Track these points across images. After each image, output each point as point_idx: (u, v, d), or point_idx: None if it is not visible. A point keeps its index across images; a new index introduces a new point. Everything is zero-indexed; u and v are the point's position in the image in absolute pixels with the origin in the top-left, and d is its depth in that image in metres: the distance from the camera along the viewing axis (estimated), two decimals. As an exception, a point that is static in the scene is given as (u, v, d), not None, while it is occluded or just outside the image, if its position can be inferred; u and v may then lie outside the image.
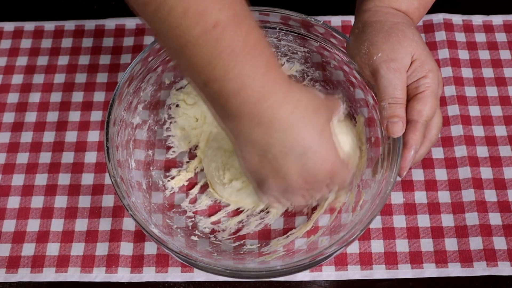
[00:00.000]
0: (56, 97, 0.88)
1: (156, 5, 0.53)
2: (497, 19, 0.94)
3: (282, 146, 0.60)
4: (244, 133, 0.60)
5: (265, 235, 0.77)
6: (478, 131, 0.84)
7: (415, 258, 0.75)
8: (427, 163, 0.81)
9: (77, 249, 0.76)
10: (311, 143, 0.61)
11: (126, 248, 0.76)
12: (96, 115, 0.86)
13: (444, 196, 0.79)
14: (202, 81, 0.57)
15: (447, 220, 0.78)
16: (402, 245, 0.76)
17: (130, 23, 0.95)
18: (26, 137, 0.85)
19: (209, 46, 0.54)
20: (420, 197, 0.79)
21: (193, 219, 0.78)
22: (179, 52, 0.56)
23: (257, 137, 0.60)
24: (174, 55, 0.58)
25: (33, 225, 0.78)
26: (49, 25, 0.96)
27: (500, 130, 0.84)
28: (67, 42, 0.94)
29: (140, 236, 0.77)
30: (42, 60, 0.92)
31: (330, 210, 0.77)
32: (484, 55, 0.91)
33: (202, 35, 0.54)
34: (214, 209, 0.79)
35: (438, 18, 0.94)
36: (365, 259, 0.75)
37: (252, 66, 0.56)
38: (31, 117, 0.87)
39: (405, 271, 0.74)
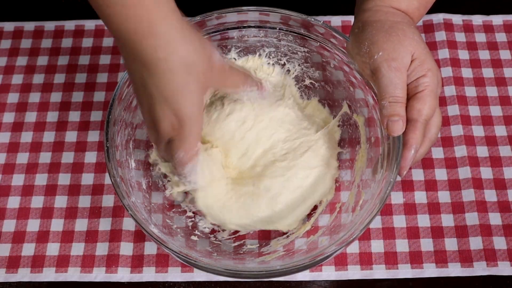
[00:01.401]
0: (56, 97, 0.88)
1: None
2: (497, 19, 0.94)
3: (138, 82, 0.62)
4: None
5: (265, 235, 0.77)
6: (478, 131, 0.84)
7: (415, 258, 0.75)
8: (427, 163, 0.81)
9: (77, 249, 0.76)
10: (160, 93, 0.61)
11: (126, 248, 0.76)
12: (96, 115, 0.87)
13: (444, 196, 0.79)
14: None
15: (447, 220, 0.78)
16: (402, 245, 0.76)
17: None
18: (26, 137, 0.85)
19: None
20: (420, 197, 0.79)
21: (193, 219, 0.78)
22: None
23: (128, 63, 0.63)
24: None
25: (33, 225, 0.78)
26: (49, 25, 0.96)
27: (500, 130, 0.84)
28: (67, 42, 0.94)
29: (140, 236, 0.77)
30: (42, 60, 0.92)
31: (330, 210, 0.77)
32: (484, 55, 0.91)
33: None
34: (214, 209, 0.79)
35: (438, 18, 0.94)
36: (365, 259, 0.75)
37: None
38: (31, 117, 0.87)
39: (405, 271, 0.74)
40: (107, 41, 0.93)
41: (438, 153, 0.82)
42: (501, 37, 0.92)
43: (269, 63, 0.83)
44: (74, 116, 0.87)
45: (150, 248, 0.76)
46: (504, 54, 0.91)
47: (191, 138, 0.64)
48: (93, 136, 0.85)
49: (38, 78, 0.90)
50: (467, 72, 0.89)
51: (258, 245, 0.76)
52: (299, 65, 0.82)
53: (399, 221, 0.78)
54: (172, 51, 0.59)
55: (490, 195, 0.79)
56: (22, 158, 0.83)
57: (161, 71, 0.60)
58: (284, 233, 0.77)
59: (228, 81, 0.67)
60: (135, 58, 0.60)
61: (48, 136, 0.85)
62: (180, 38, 0.60)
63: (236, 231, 0.77)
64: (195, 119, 0.63)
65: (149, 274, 0.75)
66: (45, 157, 0.83)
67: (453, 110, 0.85)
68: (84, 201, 0.80)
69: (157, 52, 0.59)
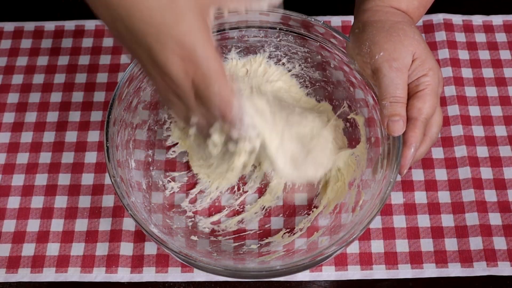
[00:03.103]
0: (56, 97, 0.88)
1: None
2: (497, 19, 0.94)
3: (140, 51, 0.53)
4: None
5: (265, 235, 0.77)
6: (478, 131, 0.84)
7: (415, 258, 0.75)
8: (427, 163, 0.81)
9: (77, 249, 0.77)
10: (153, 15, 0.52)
11: (126, 248, 0.76)
12: (96, 115, 0.87)
13: (444, 196, 0.79)
14: None
15: (447, 220, 0.78)
16: (402, 245, 0.76)
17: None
18: (26, 137, 0.85)
19: None
20: (420, 197, 0.79)
21: (192, 219, 0.78)
22: None
23: None
24: None
25: (33, 225, 0.78)
26: (49, 25, 0.96)
27: (500, 130, 0.84)
28: (67, 42, 0.94)
29: (140, 236, 0.77)
30: (42, 60, 0.92)
31: (332, 210, 0.77)
32: (484, 55, 0.91)
33: None
34: (214, 209, 0.79)
35: (438, 18, 0.94)
36: (365, 259, 0.75)
37: None
38: (31, 117, 0.87)
39: (405, 271, 0.74)
40: (107, 41, 0.93)
41: (438, 153, 0.82)
42: (501, 37, 0.92)
43: (276, 64, 0.82)
44: (74, 116, 0.87)
45: (150, 248, 0.76)
46: (504, 54, 0.91)
47: (214, 72, 0.54)
48: (93, 136, 0.85)
49: (38, 78, 0.90)
50: (467, 72, 0.89)
51: (258, 245, 0.76)
52: (299, 65, 0.82)
53: (399, 221, 0.78)
54: None
55: (490, 195, 0.79)
56: (22, 158, 0.83)
57: (146, 8, 0.51)
58: (288, 231, 0.77)
59: None
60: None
61: (48, 136, 0.85)
62: None
63: (236, 231, 0.77)
64: (208, 48, 0.54)
65: (149, 274, 0.75)
66: (45, 157, 0.83)
67: (453, 110, 0.85)
68: (84, 201, 0.80)
69: None
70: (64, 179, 0.82)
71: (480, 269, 0.74)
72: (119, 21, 0.53)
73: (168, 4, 0.52)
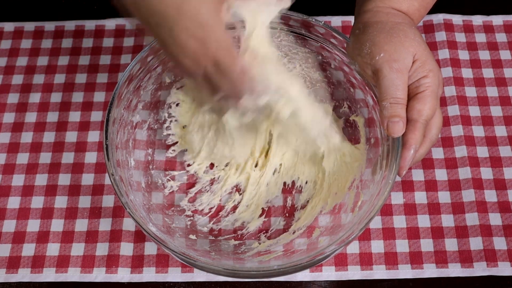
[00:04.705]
0: (56, 97, 0.88)
1: None
2: (497, 19, 0.94)
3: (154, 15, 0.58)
4: None
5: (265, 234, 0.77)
6: (478, 131, 0.84)
7: (415, 258, 0.75)
8: (427, 163, 0.81)
9: (77, 249, 0.77)
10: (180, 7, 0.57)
11: (126, 249, 0.76)
12: (96, 116, 0.87)
13: (444, 196, 0.79)
14: None
15: (447, 220, 0.78)
16: (402, 245, 0.76)
17: (130, 23, 0.95)
18: (26, 137, 0.85)
19: None
20: (420, 197, 0.79)
21: (191, 218, 0.78)
22: None
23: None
24: None
25: (33, 225, 0.78)
26: (49, 25, 0.96)
27: (500, 131, 0.84)
28: (67, 42, 0.94)
29: (140, 236, 0.77)
30: (42, 60, 0.92)
31: (330, 211, 0.77)
32: (484, 55, 0.91)
33: None
34: (214, 208, 0.79)
35: (438, 18, 0.94)
36: (365, 259, 0.75)
37: None
38: (31, 117, 0.87)
39: (405, 271, 0.74)
40: (107, 41, 0.93)
41: (438, 153, 0.82)
42: (501, 37, 0.93)
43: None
44: (74, 116, 0.87)
45: (150, 249, 0.76)
46: (504, 54, 0.91)
47: (224, 44, 0.59)
48: (93, 136, 0.85)
49: (38, 78, 0.90)
50: (467, 72, 0.89)
51: (258, 244, 0.76)
52: (300, 65, 0.82)
53: (399, 221, 0.78)
54: None
55: (490, 196, 0.79)
56: (22, 158, 0.83)
57: None
58: (283, 232, 0.77)
59: None
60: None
61: (48, 137, 0.85)
62: None
63: (235, 230, 0.77)
64: (219, 24, 0.59)
65: (149, 275, 0.75)
66: (45, 158, 0.83)
67: (453, 110, 0.85)
68: (84, 202, 0.80)
69: None
70: (64, 179, 0.82)
71: (480, 269, 0.74)
72: (143, 7, 0.58)
73: None
